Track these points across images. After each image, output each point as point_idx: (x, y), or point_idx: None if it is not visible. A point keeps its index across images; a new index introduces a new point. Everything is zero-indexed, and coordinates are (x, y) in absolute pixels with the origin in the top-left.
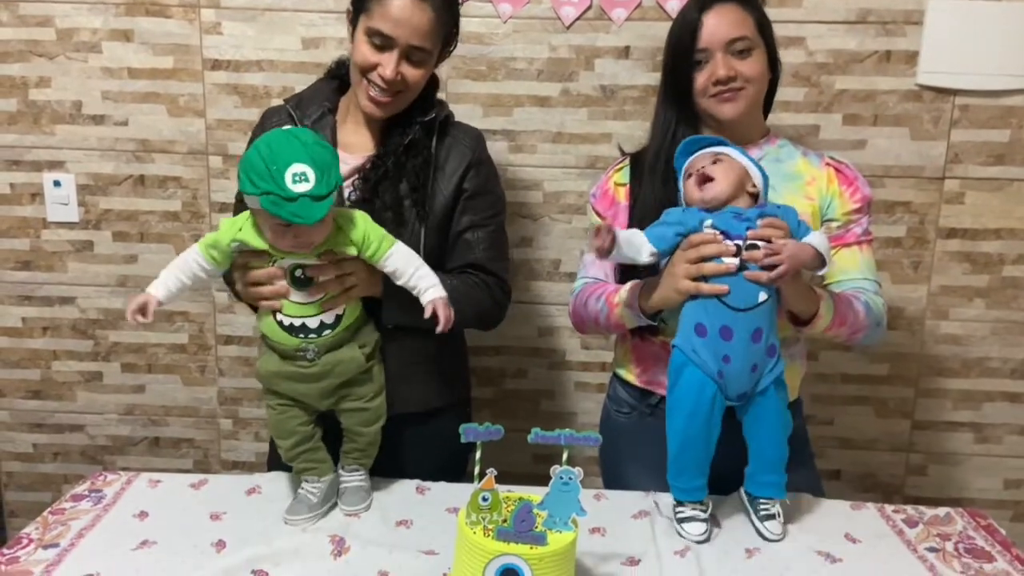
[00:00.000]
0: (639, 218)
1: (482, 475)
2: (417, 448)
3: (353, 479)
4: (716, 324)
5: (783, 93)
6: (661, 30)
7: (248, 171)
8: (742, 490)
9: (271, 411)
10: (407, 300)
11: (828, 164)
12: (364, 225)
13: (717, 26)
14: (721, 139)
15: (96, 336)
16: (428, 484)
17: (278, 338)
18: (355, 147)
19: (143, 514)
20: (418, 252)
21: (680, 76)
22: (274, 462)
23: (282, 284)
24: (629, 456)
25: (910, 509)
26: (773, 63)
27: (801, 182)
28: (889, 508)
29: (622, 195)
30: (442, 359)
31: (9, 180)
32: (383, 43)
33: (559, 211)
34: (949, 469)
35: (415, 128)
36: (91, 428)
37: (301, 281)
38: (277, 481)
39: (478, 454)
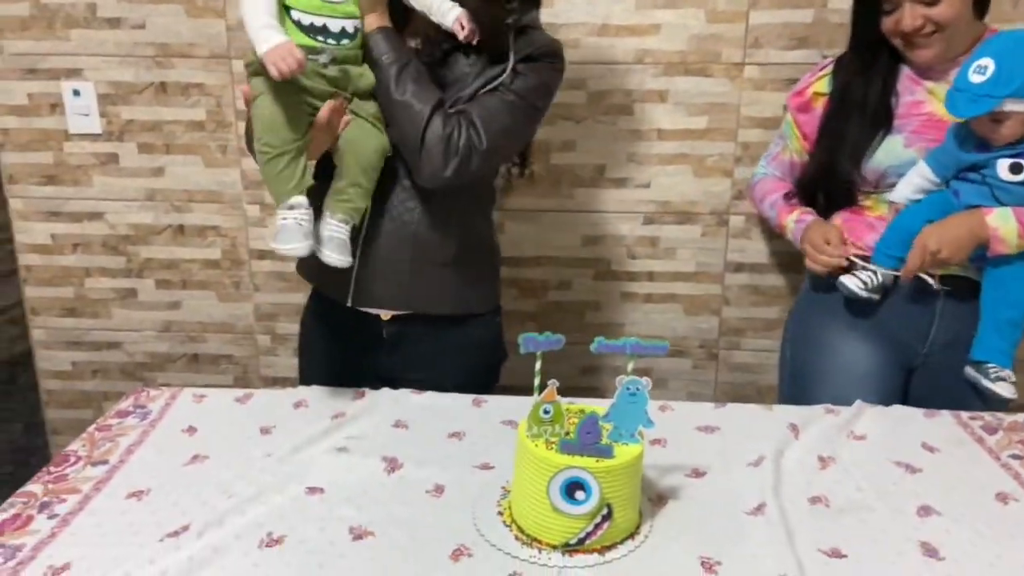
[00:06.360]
0: (834, 118)
1: (543, 386)
2: (445, 357)
3: (339, 231)
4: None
5: None
6: None
7: None
8: (967, 367)
9: (262, 99)
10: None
11: None
12: None
13: None
14: None
15: (128, 252)
16: (484, 397)
17: (292, 38)
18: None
19: (191, 429)
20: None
21: (866, 24)
22: (306, 380)
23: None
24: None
25: (987, 415)
26: None
27: None
28: (965, 415)
29: (819, 103)
30: (469, 262)
31: (26, 90)
32: None
33: (603, 112)
34: None
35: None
36: (128, 345)
37: None
38: (323, 395)
39: (538, 364)
